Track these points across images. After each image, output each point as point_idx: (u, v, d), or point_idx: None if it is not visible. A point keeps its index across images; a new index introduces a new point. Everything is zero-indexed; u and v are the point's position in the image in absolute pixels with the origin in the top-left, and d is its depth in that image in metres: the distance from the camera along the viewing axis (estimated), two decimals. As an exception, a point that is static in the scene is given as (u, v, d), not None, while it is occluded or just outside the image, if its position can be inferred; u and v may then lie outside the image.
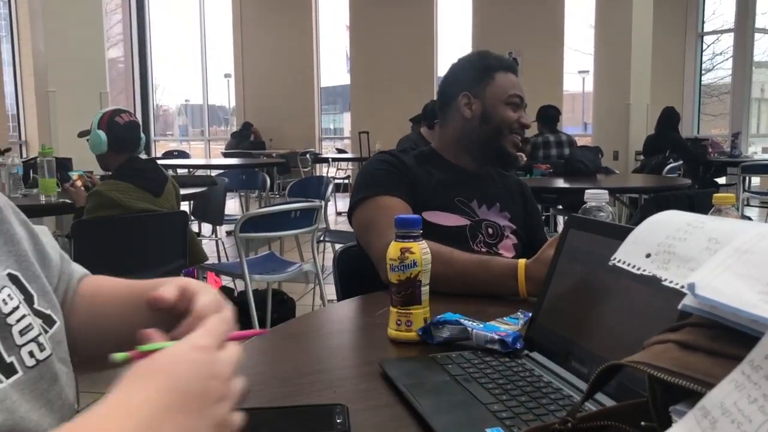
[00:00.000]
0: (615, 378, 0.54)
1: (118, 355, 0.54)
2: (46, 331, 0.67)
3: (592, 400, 0.67)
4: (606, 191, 1.25)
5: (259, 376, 0.88)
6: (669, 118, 6.88)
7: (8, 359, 0.61)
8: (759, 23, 10.33)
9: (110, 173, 2.86)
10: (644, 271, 0.53)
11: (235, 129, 12.45)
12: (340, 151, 12.30)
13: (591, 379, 0.51)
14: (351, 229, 1.63)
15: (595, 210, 1.24)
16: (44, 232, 0.81)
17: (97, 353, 0.75)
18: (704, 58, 11.54)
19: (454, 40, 12.03)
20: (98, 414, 0.47)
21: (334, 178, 9.53)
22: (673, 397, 0.46)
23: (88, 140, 2.87)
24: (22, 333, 0.63)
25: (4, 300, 0.63)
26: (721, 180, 8.00)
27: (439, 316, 0.98)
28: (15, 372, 0.61)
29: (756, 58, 10.74)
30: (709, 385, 0.42)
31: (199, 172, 7.00)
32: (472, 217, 1.61)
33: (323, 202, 4.11)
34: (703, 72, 11.50)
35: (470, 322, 0.94)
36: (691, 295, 0.46)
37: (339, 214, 8.66)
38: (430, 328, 0.97)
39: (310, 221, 3.10)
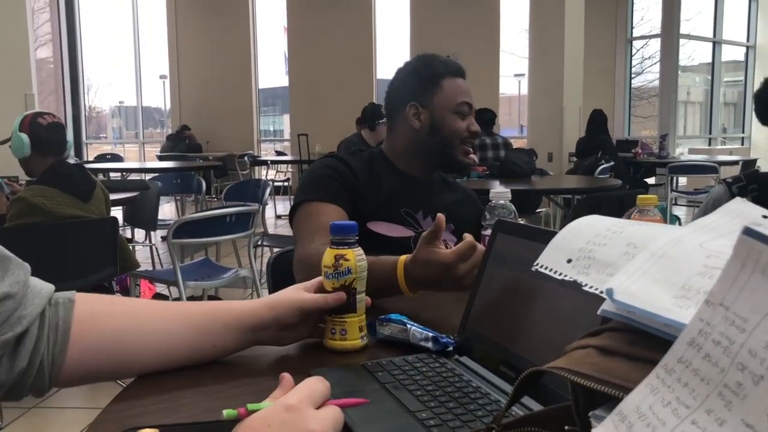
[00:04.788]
0: (543, 382, 0.54)
1: (228, 412, 0.56)
2: None
3: (521, 406, 0.67)
4: (509, 190, 1.33)
5: (183, 390, 0.85)
6: (597, 120, 7.09)
7: None
8: (684, 29, 10.77)
9: (35, 179, 2.74)
10: (566, 276, 0.54)
11: (170, 131, 12.19)
12: (279, 153, 12.19)
13: (514, 385, 0.51)
14: (291, 233, 1.61)
15: (499, 208, 1.30)
16: None
17: (121, 373, 0.86)
18: (634, 63, 11.96)
19: (392, 42, 12.12)
20: None
21: (274, 180, 9.44)
22: (595, 401, 0.47)
23: (10, 147, 2.75)
24: None
25: None
26: (651, 180, 8.29)
27: (386, 315, 1.00)
28: None
29: (682, 63, 11.20)
30: (626, 389, 0.42)
31: (133, 176, 6.82)
32: (416, 229, 1.59)
33: (260, 206, 4.05)
34: (633, 76, 11.91)
35: (410, 322, 0.96)
36: (610, 300, 0.47)
37: (279, 217, 8.58)
38: (375, 323, 0.99)
39: (246, 226, 3.05)
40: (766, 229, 0.37)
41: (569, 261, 0.55)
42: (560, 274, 0.55)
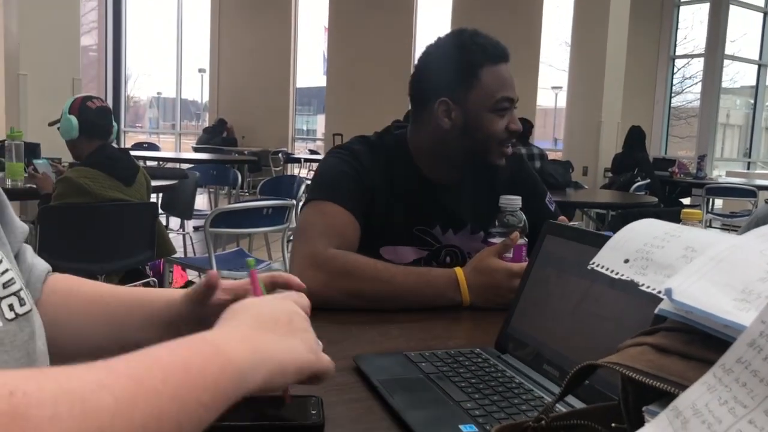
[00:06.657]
0: (586, 380, 0.56)
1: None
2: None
3: (562, 402, 0.68)
4: (519, 197, 1.26)
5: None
6: (635, 137, 7.03)
7: None
8: (728, 50, 10.60)
9: (80, 161, 2.82)
10: (622, 275, 0.55)
11: (206, 124, 12.37)
12: (312, 152, 12.27)
13: (567, 379, 0.52)
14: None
15: (508, 215, 1.26)
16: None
17: (63, 352, 0.75)
18: (674, 81, 11.80)
19: (432, 48, 12.06)
20: (201, 337, 0.50)
21: (306, 178, 9.47)
22: (645, 399, 0.48)
23: (58, 128, 2.83)
24: (5, 286, 0.62)
25: None
26: (686, 200, 8.17)
27: None
28: None
29: (723, 84, 11.01)
30: (682, 386, 0.43)
31: (169, 165, 6.93)
32: (430, 246, 1.44)
33: (295, 201, 4.09)
34: (672, 94, 11.74)
35: None
36: (668, 300, 0.47)
37: (308, 214, 8.60)
38: None
39: (281, 219, 3.09)
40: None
41: (626, 261, 0.56)
42: (617, 273, 0.56)
